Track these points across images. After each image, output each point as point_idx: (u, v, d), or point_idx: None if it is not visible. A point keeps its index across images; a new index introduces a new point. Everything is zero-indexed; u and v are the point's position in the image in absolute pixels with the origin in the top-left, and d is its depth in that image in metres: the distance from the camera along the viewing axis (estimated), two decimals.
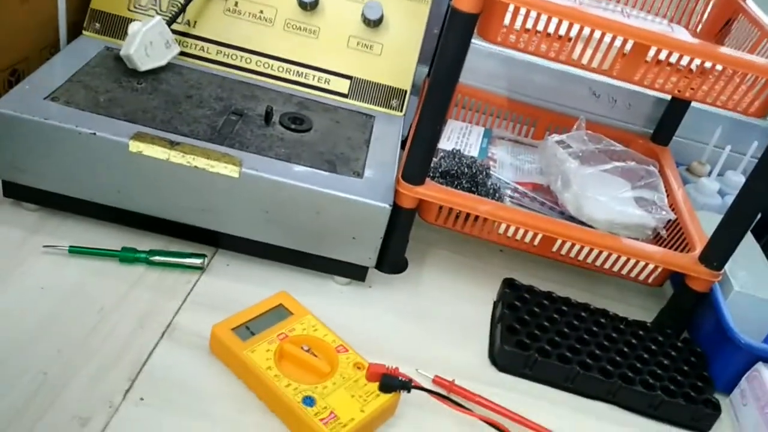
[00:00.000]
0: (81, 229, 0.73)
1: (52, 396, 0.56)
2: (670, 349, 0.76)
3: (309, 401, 0.58)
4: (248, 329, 0.64)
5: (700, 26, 0.93)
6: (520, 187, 0.86)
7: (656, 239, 0.86)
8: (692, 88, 0.68)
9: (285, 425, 0.59)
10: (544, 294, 0.79)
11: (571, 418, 0.68)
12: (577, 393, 0.71)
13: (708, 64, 0.65)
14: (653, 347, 0.75)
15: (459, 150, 0.87)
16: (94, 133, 0.67)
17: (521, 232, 0.78)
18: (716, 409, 0.70)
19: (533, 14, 0.63)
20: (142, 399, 0.58)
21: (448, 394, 0.64)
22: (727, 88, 0.67)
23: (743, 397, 0.73)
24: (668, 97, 1.00)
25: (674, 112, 0.99)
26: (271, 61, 0.85)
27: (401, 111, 0.86)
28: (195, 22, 0.85)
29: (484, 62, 1.01)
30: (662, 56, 0.65)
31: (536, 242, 0.79)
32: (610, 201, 0.82)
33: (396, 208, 0.73)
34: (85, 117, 0.69)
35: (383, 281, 0.79)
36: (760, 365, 0.72)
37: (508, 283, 0.79)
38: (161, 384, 0.60)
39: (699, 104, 1.01)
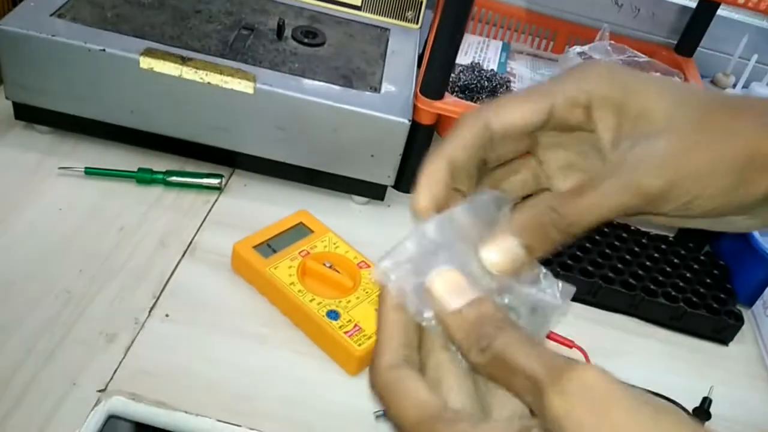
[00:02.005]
0: (95, 150, 0.72)
1: (77, 313, 0.57)
2: (692, 263, 0.75)
3: (333, 315, 0.58)
4: (270, 247, 0.64)
5: None
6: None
7: None
8: None
9: (310, 338, 0.59)
10: None
11: (594, 331, 0.69)
12: (600, 306, 0.71)
13: None
14: (675, 261, 0.75)
15: (478, 63, 0.85)
16: (104, 50, 0.65)
17: None
18: (739, 320, 0.70)
19: None
20: (167, 315, 0.59)
21: None
22: None
23: (766, 308, 0.72)
24: (693, 5, 0.96)
25: (699, 21, 0.95)
26: None
27: (417, 23, 0.83)
28: None
29: None
30: None
31: None
32: None
33: (414, 125, 0.71)
34: (93, 33, 0.67)
35: (402, 200, 0.78)
36: None
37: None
38: (185, 301, 0.60)
39: (725, 13, 0.98)
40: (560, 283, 0.30)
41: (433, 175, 0.31)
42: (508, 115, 0.32)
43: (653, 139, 0.29)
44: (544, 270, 0.29)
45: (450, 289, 0.27)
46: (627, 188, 0.29)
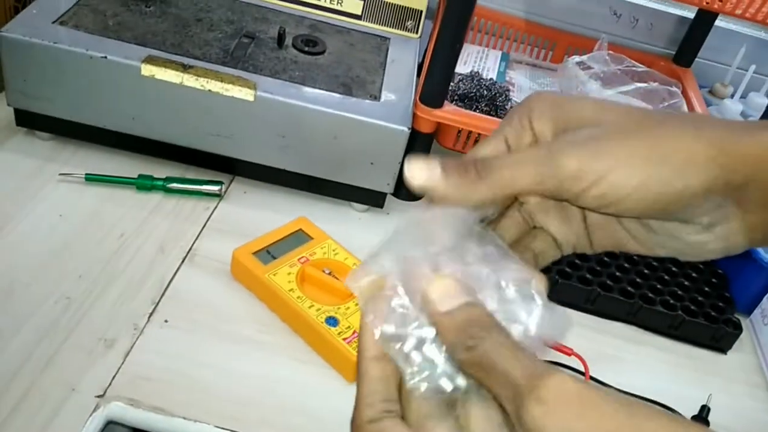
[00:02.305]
0: (96, 157, 0.72)
1: (76, 319, 0.57)
2: (690, 271, 0.75)
3: (332, 321, 0.58)
4: (269, 253, 0.64)
5: None
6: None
7: None
8: (720, 0, 0.65)
9: (308, 345, 0.60)
10: None
11: (592, 338, 0.69)
12: (598, 314, 0.71)
13: None
14: (674, 269, 0.75)
15: (478, 72, 0.85)
16: (105, 57, 0.66)
17: None
18: (737, 329, 0.70)
19: None
20: (166, 321, 0.59)
21: None
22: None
23: (764, 316, 0.73)
24: (691, 16, 0.96)
25: (697, 31, 0.95)
26: None
27: (417, 33, 0.83)
28: None
29: None
30: None
31: None
32: None
33: (414, 133, 0.72)
34: (95, 41, 0.67)
35: (402, 208, 0.78)
36: None
37: None
38: (185, 307, 0.60)
39: (723, 23, 0.98)
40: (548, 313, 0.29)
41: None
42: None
43: (578, 131, 0.31)
44: (539, 301, 0.29)
45: (443, 293, 0.28)
46: (543, 161, 0.30)
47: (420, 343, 0.28)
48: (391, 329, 0.29)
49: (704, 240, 0.32)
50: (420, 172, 0.31)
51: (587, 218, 0.34)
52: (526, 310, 0.29)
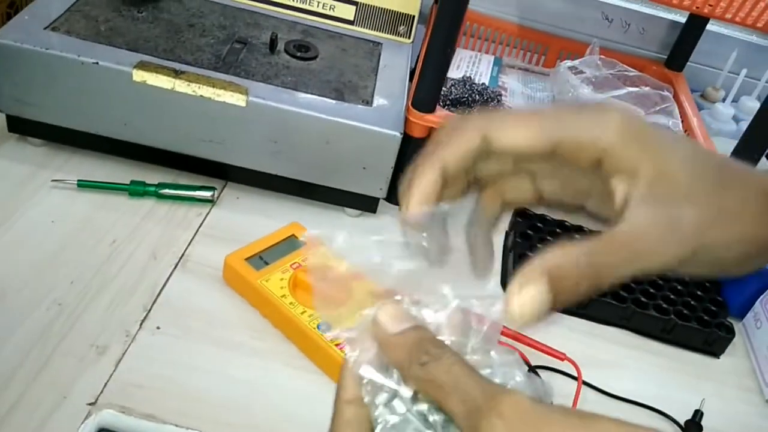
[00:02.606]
0: (88, 163, 0.72)
1: (68, 325, 0.57)
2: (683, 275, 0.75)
3: (324, 327, 0.58)
4: (261, 259, 0.64)
5: None
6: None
7: None
8: (710, 5, 0.66)
9: (301, 351, 0.59)
10: (557, 222, 0.78)
11: (584, 343, 0.69)
12: (591, 319, 0.71)
13: None
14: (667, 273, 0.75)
15: (470, 77, 0.85)
16: (97, 63, 0.66)
17: None
18: (730, 332, 0.70)
19: None
20: (158, 328, 0.58)
21: None
22: (746, 4, 0.65)
23: (757, 320, 0.73)
24: (683, 20, 0.97)
25: (689, 36, 0.96)
26: None
27: (409, 38, 0.83)
28: None
29: None
30: None
31: None
32: None
33: (406, 138, 0.72)
34: (86, 46, 0.67)
35: (394, 213, 0.78)
36: None
37: (520, 213, 0.79)
38: (177, 313, 0.60)
39: (714, 28, 0.99)
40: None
41: (425, 181, 0.31)
42: (511, 134, 0.31)
43: (677, 208, 0.29)
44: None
45: (392, 316, 0.29)
46: (660, 252, 0.29)
47: (392, 397, 0.29)
48: (371, 373, 0.29)
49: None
50: (528, 308, 0.27)
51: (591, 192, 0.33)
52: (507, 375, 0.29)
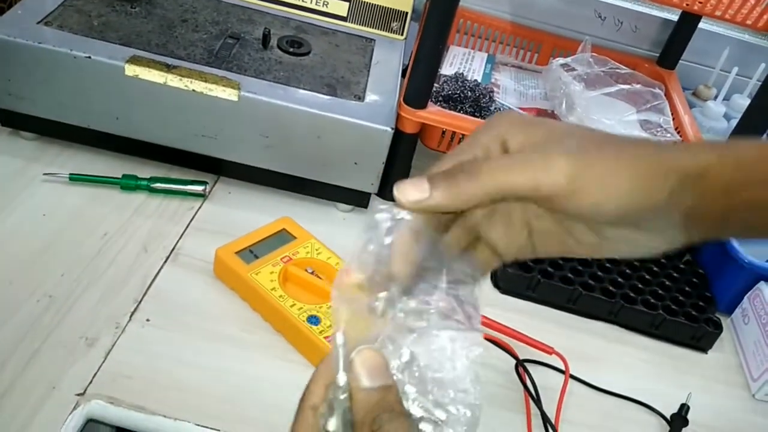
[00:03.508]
0: (80, 157, 0.72)
1: (58, 317, 0.57)
2: (672, 271, 0.76)
3: (314, 320, 0.59)
4: (252, 252, 0.64)
5: None
6: (524, 113, 0.84)
7: None
8: (701, 2, 0.66)
9: (290, 344, 0.60)
10: None
11: (573, 337, 0.69)
12: (579, 313, 0.72)
13: None
14: (655, 269, 0.76)
15: (462, 74, 0.86)
16: (89, 57, 0.66)
17: None
18: (717, 328, 0.71)
19: None
20: (148, 320, 0.59)
21: None
22: (736, 1, 0.65)
23: (745, 315, 0.73)
24: (675, 18, 0.97)
25: (681, 34, 0.96)
26: None
27: (402, 34, 0.84)
28: None
29: None
30: None
31: None
32: (615, 124, 0.81)
33: (398, 133, 0.72)
34: (79, 41, 0.68)
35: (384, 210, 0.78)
36: (762, 284, 0.72)
37: None
38: (167, 305, 0.60)
39: (706, 26, 0.99)
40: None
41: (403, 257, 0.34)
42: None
43: (562, 142, 0.33)
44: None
45: (369, 368, 0.31)
46: (539, 165, 0.32)
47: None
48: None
49: (652, 243, 0.34)
50: (409, 190, 0.33)
51: (532, 225, 0.36)
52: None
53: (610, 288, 0.71)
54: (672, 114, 0.87)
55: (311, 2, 0.82)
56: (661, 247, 0.34)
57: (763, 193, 0.33)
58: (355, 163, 0.72)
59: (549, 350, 0.64)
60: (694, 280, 0.76)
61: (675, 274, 0.75)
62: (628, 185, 0.32)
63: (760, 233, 0.35)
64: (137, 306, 0.60)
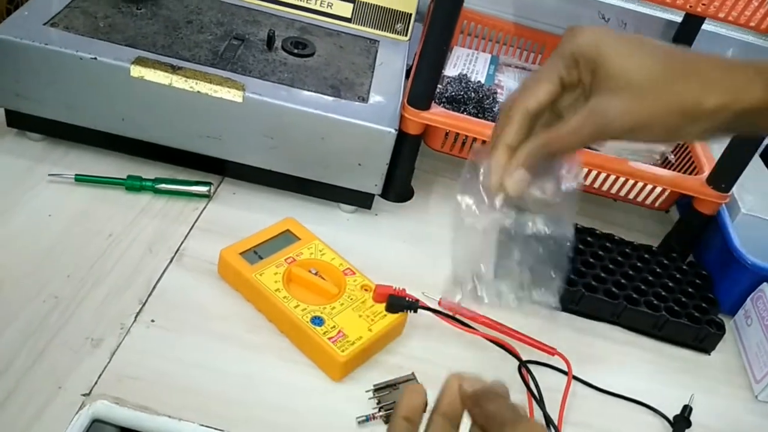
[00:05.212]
0: (86, 158, 0.73)
1: (64, 318, 0.57)
2: (675, 272, 0.76)
3: (318, 321, 0.59)
4: (256, 253, 0.65)
5: None
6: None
7: (664, 163, 0.85)
8: (704, 3, 0.66)
9: (294, 344, 0.60)
10: (587, 230, 0.78)
11: (576, 339, 0.69)
12: (583, 315, 0.72)
13: None
14: (659, 270, 0.76)
15: (465, 75, 0.86)
16: (95, 58, 0.66)
17: None
18: (720, 329, 0.71)
19: None
20: (153, 321, 0.59)
21: (454, 315, 0.65)
22: (738, 3, 0.65)
23: (747, 317, 0.73)
24: (678, 20, 0.97)
25: (684, 35, 0.96)
26: None
27: (406, 35, 0.84)
28: None
29: None
30: None
31: None
32: None
33: (401, 135, 0.72)
34: (85, 42, 0.68)
35: (389, 209, 0.79)
36: (765, 286, 0.72)
37: None
38: (171, 306, 0.61)
39: (710, 27, 0.99)
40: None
41: (500, 161, 0.48)
42: (538, 97, 0.46)
43: (612, 96, 0.44)
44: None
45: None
46: (593, 124, 0.44)
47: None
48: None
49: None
50: (516, 185, 0.47)
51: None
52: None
53: (613, 289, 0.72)
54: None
55: (315, 4, 0.83)
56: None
57: None
58: (359, 165, 0.72)
59: (552, 351, 0.64)
60: (697, 281, 0.76)
61: (678, 276, 0.76)
62: (664, 131, 0.44)
63: None
64: (142, 307, 0.60)
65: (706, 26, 0.97)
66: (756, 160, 0.85)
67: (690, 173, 0.80)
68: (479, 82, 0.86)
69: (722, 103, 0.42)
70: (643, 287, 0.73)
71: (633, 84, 0.43)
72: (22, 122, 0.72)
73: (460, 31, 0.98)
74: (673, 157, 0.84)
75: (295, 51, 0.76)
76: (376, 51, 0.81)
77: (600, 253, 0.76)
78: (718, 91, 0.42)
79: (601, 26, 0.52)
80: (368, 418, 0.56)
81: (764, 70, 0.43)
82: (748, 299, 0.74)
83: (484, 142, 0.76)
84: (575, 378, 0.64)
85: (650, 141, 0.50)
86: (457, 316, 0.65)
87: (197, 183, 0.72)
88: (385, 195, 0.78)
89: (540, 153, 0.46)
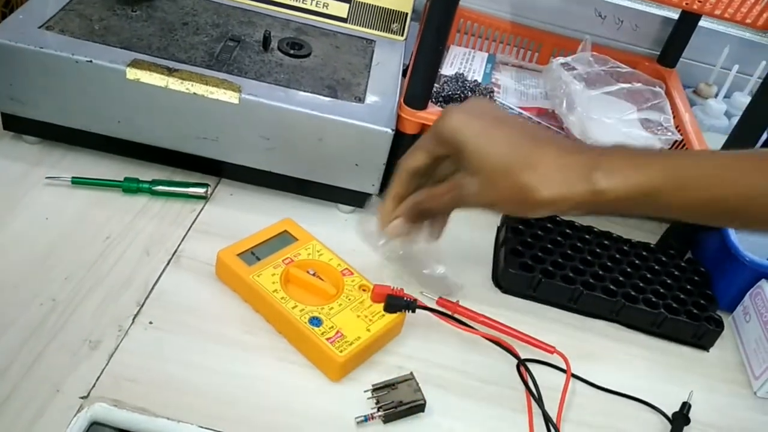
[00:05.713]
0: (83, 161, 0.73)
1: (62, 321, 0.57)
2: (673, 269, 0.76)
3: (316, 321, 0.59)
4: (254, 254, 0.64)
5: None
6: (524, 112, 0.84)
7: None
8: (700, 1, 0.66)
9: (292, 345, 0.60)
10: (548, 218, 0.79)
11: (574, 336, 0.69)
12: (581, 312, 0.72)
13: None
14: (657, 267, 0.76)
15: (462, 74, 0.86)
16: (91, 61, 0.66)
17: None
18: (719, 326, 0.71)
19: None
20: (151, 323, 0.59)
21: (452, 314, 0.65)
22: (735, 0, 0.65)
23: (746, 314, 0.73)
24: (675, 17, 0.97)
25: (681, 32, 0.96)
26: None
27: (402, 35, 0.84)
28: None
29: None
30: None
31: None
32: (615, 123, 0.81)
33: (399, 134, 0.72)
34: (80, 45, 0.68)
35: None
36: (763, 282, 0.72)
37: None
38: (169, 308, 0.61)
39: (707, 24, 0.99)
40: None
41: (385, 209, 0.59)
42: (416, 161, 0.56)
43: (470, 177, 0.51)
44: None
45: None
46: (453, 197, 0.54)
47: None
48: None
49: None
50: (395, 230, 0.58)
51: None
52: None
53: (612, 287, 0.72)
54: (673, 112, 0.87)
55: (311, 4, 0.83)
56: None
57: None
58: (356, 165, 0.72)
59: (550, 350, 0.64)
60: (696, 278, 0.76)
61: (676, 273, 0.76)
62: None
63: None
64: (140, 309, 0.60)
65: (703, 23, 0.97)
66: None
67: None
68: (476, 81, 0.86)
69: (556, 196, 0.47)
70: (641, 285, 0.73)
71: (485, 170, 0.49)
72: (18, 125, 0.72)
73: (456, 30, 0.98)
74: None
75: (291, 52, 0.76)
76: (373, 51, 0.81)
77: (598, 251, 0.76)
78: (553, 186, 0.47)
79: (477, 104, 0.54)
80: (367, 419, 0.56)
81: (597, 166, 0.48)
82: (747, 296, 0.74)
83: None
84: (574, 376, 0.64)
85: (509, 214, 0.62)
86: (456, 316, 0.65)
87: (194, 185, 0.72)
88: (382, 195, 0.78)
89: (414, 209, 0.55)
